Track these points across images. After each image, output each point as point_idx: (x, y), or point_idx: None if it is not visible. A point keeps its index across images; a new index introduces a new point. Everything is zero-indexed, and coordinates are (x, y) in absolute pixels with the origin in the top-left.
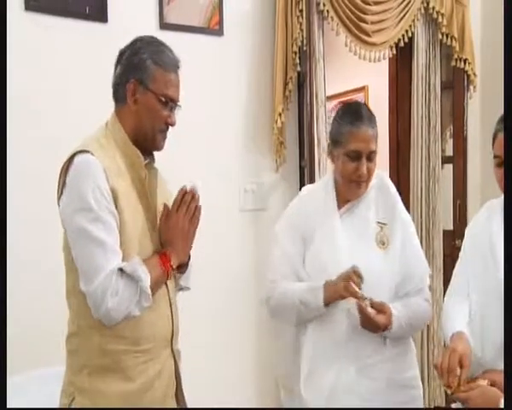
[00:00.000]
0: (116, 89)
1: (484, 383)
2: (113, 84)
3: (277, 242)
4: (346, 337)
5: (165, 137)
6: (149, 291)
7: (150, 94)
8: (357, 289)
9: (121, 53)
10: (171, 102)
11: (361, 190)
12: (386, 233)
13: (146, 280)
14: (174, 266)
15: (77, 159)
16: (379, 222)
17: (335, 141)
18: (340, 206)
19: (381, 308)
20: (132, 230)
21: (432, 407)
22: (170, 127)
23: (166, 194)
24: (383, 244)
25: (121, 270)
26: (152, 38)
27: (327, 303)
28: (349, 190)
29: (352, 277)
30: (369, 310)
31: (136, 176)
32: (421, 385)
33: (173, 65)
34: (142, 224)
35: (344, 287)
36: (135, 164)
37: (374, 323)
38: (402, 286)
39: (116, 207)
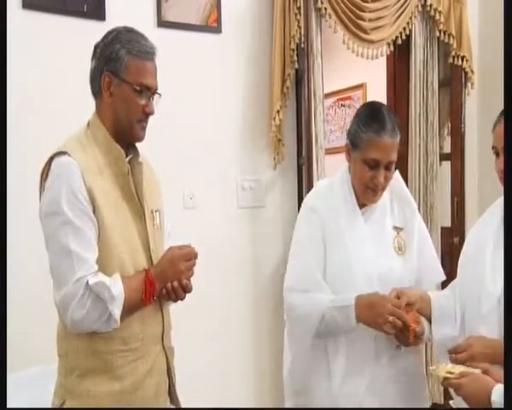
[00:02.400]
0: (92, 84)
1: (476, 371)
2: (89, 80)
3: (297, 244)
4: (374, 344)
5: (143, 127)
6: (117, 316)
7: (125, 84)
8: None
9: (95, 47)
10: (147, 91)
11: (376, 197)
12: (403, 238)
13: (115, 302)
14: (156, 293)
15: (54, 162)
16: (396, 227)
17: (354, 144)
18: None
19: (417, 320)
20: (115, 227)
21: (430, 404)
22: (153, 117)
23: (154, 189)
24: (400, 250)
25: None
26: (125, 27)
27: (359, 321)
28: (364, 195)
29: (395, 309)
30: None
31: (119, 172)
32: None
33: (147, 52)
34: (126, 220)
35: (383, 321)
36: (117, 160)
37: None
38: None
39: (94, 208)
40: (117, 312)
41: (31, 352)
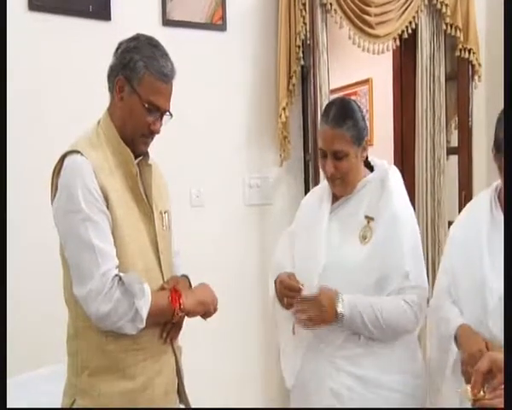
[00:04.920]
0: (108, 80)
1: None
2: (107, 74)
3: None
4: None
5: (146, 143)
6: (144, 313)
7: (135, 96)
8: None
9: (119, 44)
10: (156, 111)
11: (336, 187)
12: (371, 227)
13: (142, 299)
14: (183, 308)
15: (67, 160)
16: (367, 216)
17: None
18: (334, 202)
19: (311, 298)
20: (125, 226)
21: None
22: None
23: (163, 189)
24: (365, 238)
25: (120, 279)
26: (151, 40)
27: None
28: (331, 187)
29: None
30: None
31: (129, 173)
32: (408, 391)
33: (165, 74)
34: (136, 220)
35: (278, 289)
36: (126, 161)
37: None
38: (383, 284)
39: (107, 205)
40: (144, 309)
41: (33, 353)
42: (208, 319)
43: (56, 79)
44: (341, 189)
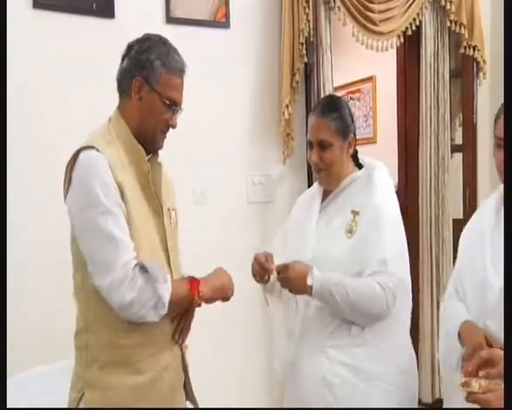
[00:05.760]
0: (120, 82)
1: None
2: (117, 77)
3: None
4: (304, 314)
5: (164, 138)
6: (166, 299)
7: (155, 94)
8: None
9: (129, 47)
10: (174, 105)
11: (322, 179)
12: (356, 221)
13: (164, 284)
14: (201, 295)
15: (82, 155)
16: (353, 211)
17: None
18: (325, 199)
19: (282, 269)
20: (139, 222)
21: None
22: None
23: (170, 188)
24: (350, 232)
25: (140, 268)
26: (161, 38)
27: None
28: (317, 179)
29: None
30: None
31: (140, 171)
32: (398, 383)
33: (180, 70)
34: (147, 217)
35: (254, 267)
36: (138, 159)
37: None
38: (363, 275)
39: (122, 200)
40: (166, 294)
41: (35, 351)
42: (211, 317)
43: (60, 76)
44: (326, 181)
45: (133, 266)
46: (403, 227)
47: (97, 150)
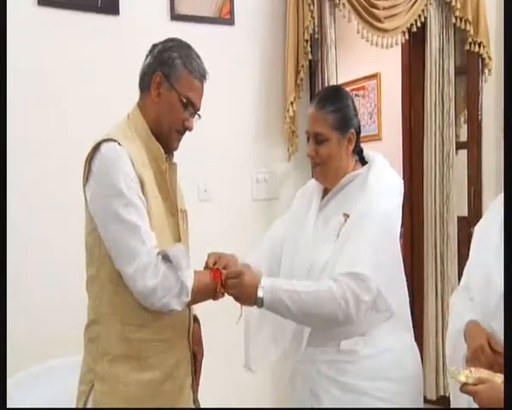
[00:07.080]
0: (142, 78)
1: (499, 380)
2: (140, 73)
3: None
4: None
5: (179, 139)
6: (189, 285)
7: (174, 92)
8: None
9: (154, 45)
10: (191, 107)
11: (317, 175)
12: (344, 225)
13: (187, 271)
14: (224, 284)
15: (104, 147)
16: (344, 213)
17: None
18: (324, 197)
19: (234, 275)
20: (156, 218)
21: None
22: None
23: (180, 189)
24: (337, 237)
25: (163, 256)
26: (185, 42)
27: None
28: (313, 174)
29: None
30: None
31: (158, 169)
32: (389, 398)
33: (200, 74)
34: (162, 216)
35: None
36: (157, 157)
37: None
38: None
39: (143, 193)
40: (189, 281)
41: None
42: (212, 316)
43: (65, 73)
44: (322, 177)
45: (156, 253)
46: (393, 227)
47: (119, 144)
